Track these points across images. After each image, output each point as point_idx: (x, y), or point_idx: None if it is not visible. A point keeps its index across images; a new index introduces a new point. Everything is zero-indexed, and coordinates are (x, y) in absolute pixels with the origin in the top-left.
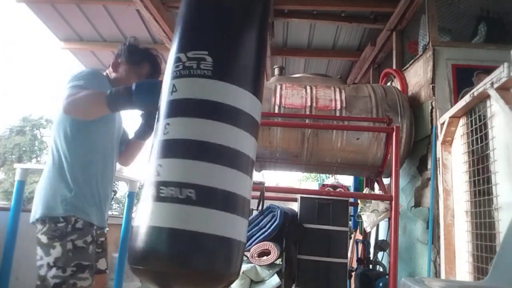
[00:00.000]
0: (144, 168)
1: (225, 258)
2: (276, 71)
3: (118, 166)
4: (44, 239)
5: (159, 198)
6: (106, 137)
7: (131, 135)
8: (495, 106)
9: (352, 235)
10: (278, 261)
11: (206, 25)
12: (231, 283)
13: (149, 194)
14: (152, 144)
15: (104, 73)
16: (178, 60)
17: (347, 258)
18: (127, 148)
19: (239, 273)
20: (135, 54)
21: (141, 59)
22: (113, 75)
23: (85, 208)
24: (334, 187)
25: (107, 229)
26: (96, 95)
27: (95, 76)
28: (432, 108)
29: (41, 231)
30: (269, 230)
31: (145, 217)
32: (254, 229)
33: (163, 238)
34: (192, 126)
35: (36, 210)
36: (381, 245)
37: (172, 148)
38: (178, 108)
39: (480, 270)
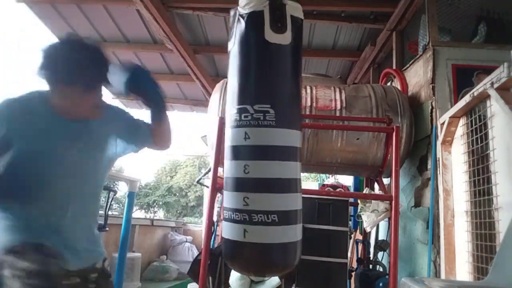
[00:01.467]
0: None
1: (290, 254)
2: None
3: (117, 165)
4: None
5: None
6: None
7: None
8: (495, 106)
9: (352, 235)
10: None
11: (266, 81)
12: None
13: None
14: (234, 180)
15: None
16: (245, 110)
17: (347, 258)
18: (153, 134)
19: (297, 261)
20: None
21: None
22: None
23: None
24: (334, 187)
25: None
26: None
27: None
28: (432, 108)
29: None
30: None
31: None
32: None
33: (244, 248)
34: (267, 167)
35: None
36: (381, 245)
37: (256, 185)
38: (254, 153)
39: (480, 270)
